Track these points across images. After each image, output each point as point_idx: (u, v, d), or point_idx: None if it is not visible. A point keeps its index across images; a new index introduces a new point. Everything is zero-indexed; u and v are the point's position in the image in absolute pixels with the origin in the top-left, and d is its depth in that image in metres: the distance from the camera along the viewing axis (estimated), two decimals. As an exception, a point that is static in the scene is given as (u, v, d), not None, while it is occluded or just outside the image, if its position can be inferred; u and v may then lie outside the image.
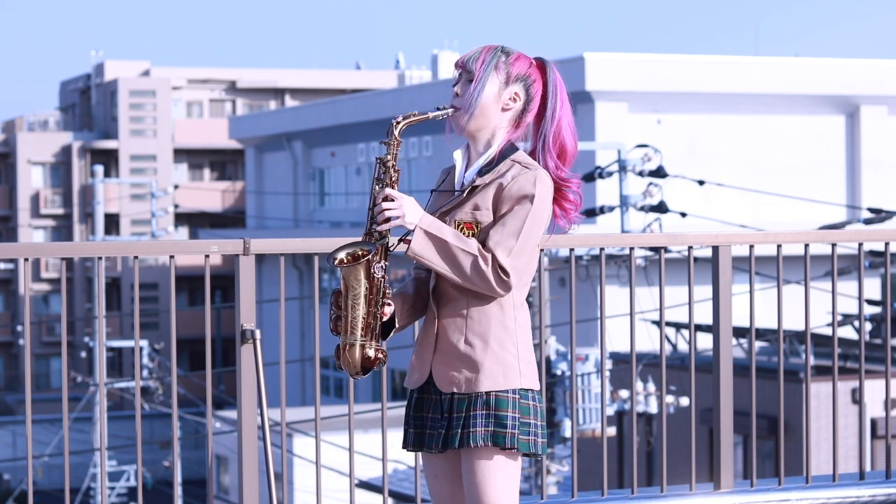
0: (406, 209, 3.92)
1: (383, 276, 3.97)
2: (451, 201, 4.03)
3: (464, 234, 3.96)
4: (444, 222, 3.99)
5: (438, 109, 4.04)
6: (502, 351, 3.98)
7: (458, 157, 4.10)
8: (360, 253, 3.95)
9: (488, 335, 3.98)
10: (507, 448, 3.95)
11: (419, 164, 40.54)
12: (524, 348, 4.02)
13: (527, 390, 4.01)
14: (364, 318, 3.97)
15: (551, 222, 4.09)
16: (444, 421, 4.02)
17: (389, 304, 4.00)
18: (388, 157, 4.01)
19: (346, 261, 3.95)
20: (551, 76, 4.11)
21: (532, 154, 4.07)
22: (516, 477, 4.04)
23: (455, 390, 3.99)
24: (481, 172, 4.01)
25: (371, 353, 4.00)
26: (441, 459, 4.11)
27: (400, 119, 4.01)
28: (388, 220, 3.92)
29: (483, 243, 3.95)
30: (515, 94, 4.05)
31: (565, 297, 25.70)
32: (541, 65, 4.12)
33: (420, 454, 4.17)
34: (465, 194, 4.00)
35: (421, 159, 40.51)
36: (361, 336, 3.98)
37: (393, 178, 3.99)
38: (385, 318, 4.01)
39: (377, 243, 3.96)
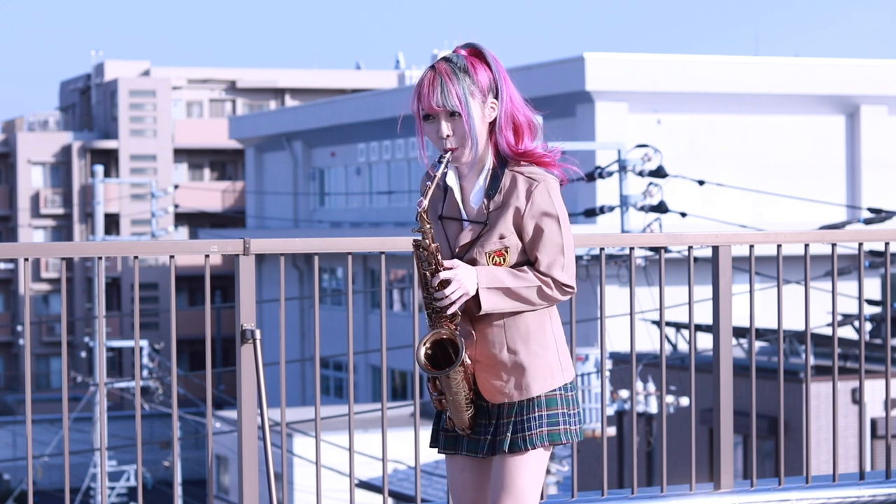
0: (464, 281, 3.95)
1: (465, 344, 4.04)
2: (472, 231, 4.03)
3: (496, 262, 4.01)
4: (475, 256, 4.01)
5: (440, 161, 4.00)
6: (544, 351, 4.04)
7: (452, 181, 4.06)
8: (443, 340, 4.00)
9: (529, 339, 4.03)
10: (563, 443, 4.05)
11: (420, 163, 40.51)
12: (561, 342, 4.10)
13: (568, 383, 4.08)
14: (467, 395, 4.06)
15: None
16: (490, 426, 4.06)
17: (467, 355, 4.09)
18: (425, 240, 3.98)
19: (434, 355, 4.01)
20: (490, 58, 4.03)
21: (493, 137, 4.02)
22: (545, 466, 4.10)
23: (506, 401, 4.04)
24: (488, 195, 4.01)
25: (472, 408, 4.09)
26: (472, 469, 4.13)
27: (422, 201, 3.96)
28: (455, 302, 3.96)
29: (525, 263, 4.00)
30: (492, 104, 4.02)
31: (565, 297, 25.67)
32: (476, 52, 4.04)
33: (446, 458, 4.18)
34: (485, 226, 4.01)
35: (420, 159, 40.50)
36: (468, 408, 4.07)
37: (438, 259, 3.98)
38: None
39: (453, 326, 4.01)
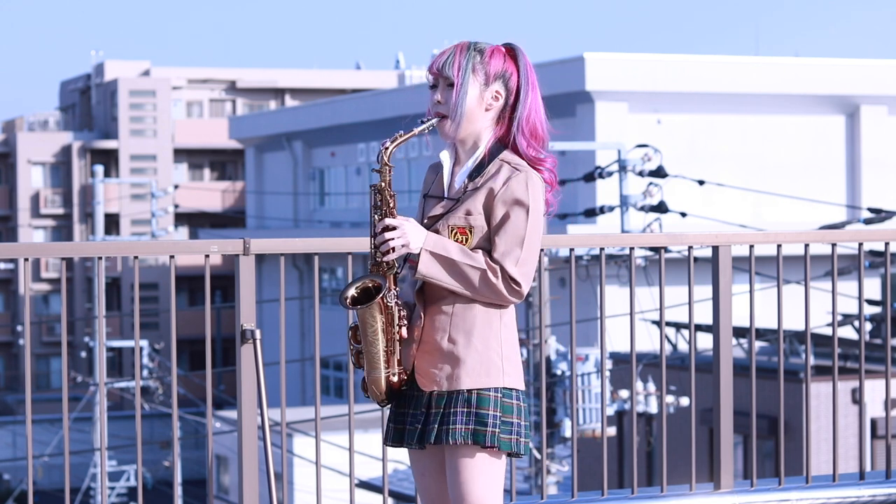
0: (409, 235, 3.92)
1: (396, 303, 3.99)
2: (444, 208, 4.03)
3: (457, 239, 3.97)
4: (438, 229, 3.99)
5: (422, 122, 4.01)
6: (485, 349, 3.98)
7: (444, 158, 4.08)
8: (370, 287, 3.97)
9: (472, 333, 3.97)
10: (489, 447, 3.95)
11: (419, 163, 40.52)
12: (508, 348, 4.01)
13: (510, 389, 4.00)
14: (385, 351, 4.00)
15: None
16: (421, 416, 4.02)
17: (405, 325, 4.02)
18: (382, 183, 3.98)
19: (359, 299, 3.97)
20: (522, 62, 4.04)
21: (505, 139, 4.04)
22: (500, 476, 4.02)
23: (436, 388, 3.99)
24: (471, 176, 4.00)
25: (395, 378, 4.03)
26: (428, 457, 4.11)
27: (387, 143, 3.98)
28: (393, 249, 3.93)
29: (483, 251, 3.95)
30: (497, 92, 4.02)
31: (565, 297, 25.68)
32: (512, 52, 4.06)
33: (408, 452, 4.18)
34: (457, 201, 3.99)
35: (421, 159, 40.49)
36: (385, 368, 4.01)
37: (391, 205, 3.97)
38: (404, 338, 4.03)
39: (386, 274, 3.98)
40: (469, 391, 3.96)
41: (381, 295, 3.94)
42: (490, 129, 4.04)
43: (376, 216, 3.98)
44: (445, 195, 4.05)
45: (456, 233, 3.97)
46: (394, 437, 4.13)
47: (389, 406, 4.13)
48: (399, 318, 3.99)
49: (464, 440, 3.94)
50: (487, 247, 3.96)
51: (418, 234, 3.93)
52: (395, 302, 3.99)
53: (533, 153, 4.01)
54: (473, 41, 4.05)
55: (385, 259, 3.95)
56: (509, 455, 4.02)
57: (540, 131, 4.03)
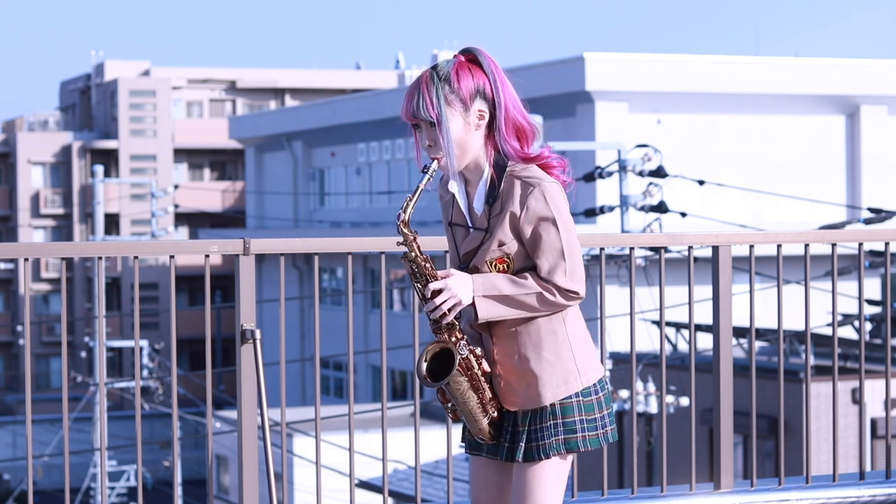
0: (457, 290, 3.91)
1: (470, 351, 3.99)
2: (474, 241, 4.00)
3: (499, 269, 3.96)
4: (477, 266, 3.98)
5: (424, 172, 3.97)
6: (557, 359, 3.98)
7: (454, 189, 4.04)
8: (439, 352, 3.96)
9: (541, 346, 3.98)
10: (581, 451, 4.01)
11: (418, 166, 40.52)
12: (579, 346, 4.01)
13: (588, 388, 4.01)
14: (478, 403, 4.02)
15: None
16: (508, 433, 4.04)
17: (483, 358, 4.02)
18: (413, 253, 3.95)
19: (435, 368, 3.96)
20: (486, 64, 3.96)
21: (492, 142, 3.97)
22: (567, 474, 4.07)
23: (520, 409, 4.01)
24: (488, 202, 3.97)
25: (496, 415, 4.05)
26: (496, 471, 4.12)
27: (401, 214, 3.94)
28: (449, 311, 3.92)
29: (530, 271, 3.94)
30: (479, 111, 3.96)
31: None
32: (473, 58, 3.98)
33: (471, 458, 4.18)
34: (486, 234, 3.97)
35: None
36: (483, 416, 4.03)
37: (428, 269, 3.95)
38: (487, 373, 4.03)
39: (450, 333, 3.96)
40: (552, 405, 3.99)
41: (457, 361, 3.94)
42: (486, 145, 3.98)
43: (419, 285, 3.96)
44: (469, 224, 4.02)
45: (496, 264, 3.97)
46: (471, 444, 4.14)
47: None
48: (476, 359, 4.00)
49: (557, 452, 3.97)
50: (531, 264, 3.96)
51: (466, 286, 3.92)
52: (470, 350, 3.99)
53: (527, 150, 3.97)
54: (432, 67, 3.98)
55: (444, 322, 3.95)
56: (598, 448, 4.07)
57: (524, 124, 3.98)
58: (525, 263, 3.96)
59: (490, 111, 3.95)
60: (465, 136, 3.94)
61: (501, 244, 3.95)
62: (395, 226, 3.95)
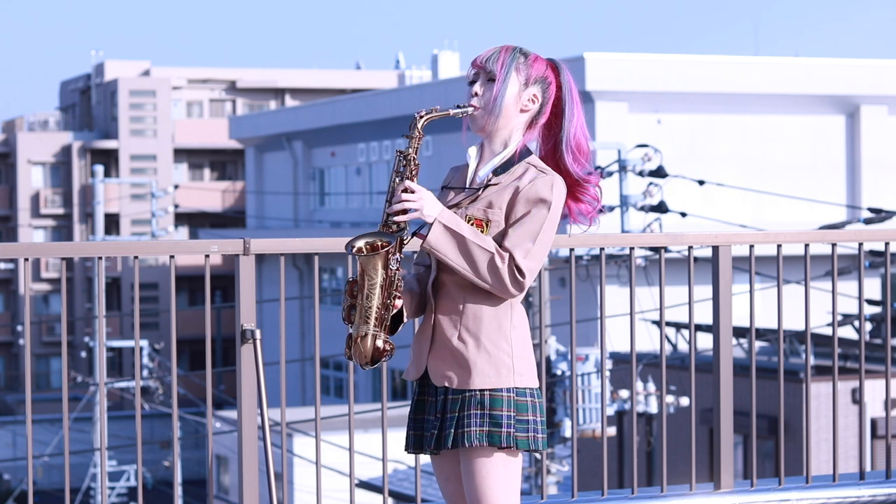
0: (425, 202, 3.93)
1: (398, 269, 3.99)
2: (465, 196, 4.05)
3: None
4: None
5: (459, 107, 4.04)
6: (495, 349, 3.98)
7: (472, 153, 4.11)
8: (379, 243, 3.96)
9: (480, 333, 3.98)
10: (505, 447, 3.96)
11: (426, 163, 40.55)
12: (519, 346, 4.02)
13: (523, 388, 4.01)
14: (378, 309, 3.99)
15: (566, 220, 4.16)
16: (437, 421, 4.03)
17: (400, 297, 4.02)
18: (410, 150, 4.02)
19: (364, 250, 3.96)
20: (565, 78, 4.11)
21: (543, 157, 4.10)
22: (517, 475, 4.04)
23: (447, 384, 4.00)
24: (496, 172, 4.03)
25: (381, 343, 4.01)
26: (449, 462, 4.12)
27: (423, 113, 4.02)
28: (406, 211, 3.93)
29: (498, 243, 3.96)
30: (534, 96, 4.07)
31: (565, 297, 25.70)
32: (554, 67, 4.12)
33: (429, 457, 4.18)
34: (480, 191, 4.01)
35: (420, 159, 40.48)
36: (374, 326, 4.00)
37: (413, 172, 4.00)
38: (395, 311, 4.03)
39: (396, 235, 3.97)
40: (481, 392, 3.97)
41: (387, 249, 3.94)
42: (521, 131, 4.08)
43: (397, 179, 3.99)
44: (466, 187, 4.08)
45: (472, 223, 3.99)
46: (414, 444, 4.13)
47: (408, 414, 4.14)
48: (396, 286, 3.99)
49: (479, 442, 3.95)
50: (500, 240, 3.97)
51: (434, 205, 3.95)
52: (398, 268, 3.99)
53: (579, 169, 4.09)
54: (519, 46, 4.11)
55: (397, 220, 3.95)
56: (526, 451, 4.02)
57: (585, 146, 4.11)
58: (496, 239, 3.98)
59: (540, 106, 4.08)
60: (511, 105, 4.05)
61: (489, 207, 3.99)
62: (411, 120, 4.00)
